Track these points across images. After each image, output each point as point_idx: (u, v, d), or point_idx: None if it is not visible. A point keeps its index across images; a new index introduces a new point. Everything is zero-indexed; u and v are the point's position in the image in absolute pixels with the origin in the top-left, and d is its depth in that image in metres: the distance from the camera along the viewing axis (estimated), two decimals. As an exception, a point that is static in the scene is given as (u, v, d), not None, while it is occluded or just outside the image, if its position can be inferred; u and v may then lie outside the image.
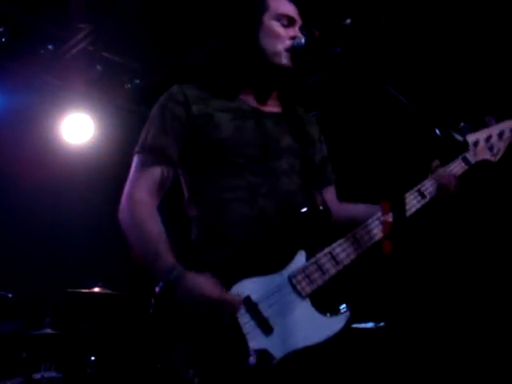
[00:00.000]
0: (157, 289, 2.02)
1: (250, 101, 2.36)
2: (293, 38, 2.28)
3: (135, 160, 2.26)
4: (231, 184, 2.19)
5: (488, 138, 2.27)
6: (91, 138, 6.62)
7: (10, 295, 5.05)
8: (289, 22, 2.31)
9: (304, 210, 2.17)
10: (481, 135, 2.28)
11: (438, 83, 4.69)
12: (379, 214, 2.21)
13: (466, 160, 2.30)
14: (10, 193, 6.01)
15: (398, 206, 1.87)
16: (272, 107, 2.40)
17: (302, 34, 2.28)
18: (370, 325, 5.69)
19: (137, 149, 2.27)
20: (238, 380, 1.89)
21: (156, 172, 2.21)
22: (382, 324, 5.59)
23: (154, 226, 2.12)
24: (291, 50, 2.27)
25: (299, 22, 2.34)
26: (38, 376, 4.67)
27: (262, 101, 2.39)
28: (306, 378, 2.03)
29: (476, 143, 2.28)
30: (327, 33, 2.15)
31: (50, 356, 5.05)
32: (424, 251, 4.91)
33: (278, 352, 1.94)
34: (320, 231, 2.18)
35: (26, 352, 4.88)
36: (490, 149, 2.27)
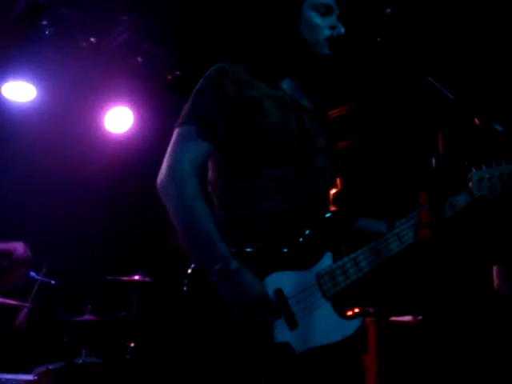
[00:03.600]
0: (190, 270, 2.01)
1: (290, 92, 2.37)
2: (332, 27, 2.28)
3: (180, 131, 2.17)
4: (268, 175, 2.19)
5: (490, 178, 2.58)
6: (132, 128, 6.71)
7: (52, 282, 5.17)
8: (326, 10, 2.31)
9: (332, 213, 2.23)
10: (485, 174, 2.59)
11: (479, 74, 4.63)
12: (397, 229, 2.37)
13: (471, 193, 2.56)
14: (54, 183, 6.12)
15: (437, 196, 1.87)
16: (307, 102, 2.42)
17: (342, 23, 2.29)
18: (407, 318, 5.67)
19: (184, 119, 2.18)
20: (260, 369, 1.93)
21: (203, 146, 2.14)
22: (420, 317, 5.57)
23: (203, 206, 2.05)
24: (331, 39, 2.27)
25: (337, 10, 2.33)
26: (79, 361, 4.76)
27: (300, 94, 2.40)
28: (319, 374, 2.07)
29: (480, 180, 2.57)
30: (367, 22, 2.14)
31: (91, 342, 5.14)
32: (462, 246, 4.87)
33: (299, 347, 1.99)
34: (345, 235, 2.24)
35: (68, 337, 4.99)
36: (490, 187, 2.57)
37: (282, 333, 1.98)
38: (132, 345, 5.33)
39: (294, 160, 2.23)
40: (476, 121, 2.07)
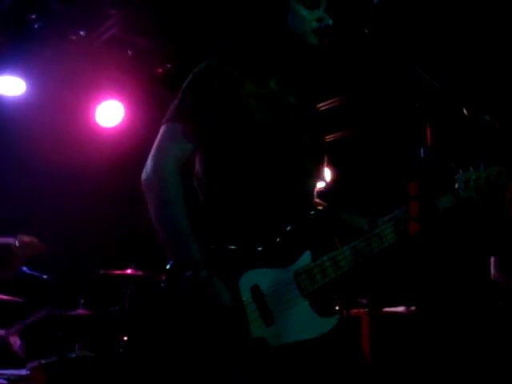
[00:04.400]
0: (168, 267, 2.07)
1: (278, 89, 2.37)
2: (320, 19, 2.27)
3: (166, 128, 2.21)
4: (253, 173, 2.21)
5: (477, 179, 2.54)
6: (123, 122, 6.69)
7: (45, 277, 5.17)
8: (313, 3, 2.29)
9: (316, 212, 2.25)
10: (471, 175, 2.54)
11: (466, 63, 4.64)
12: (379, 229, 2.35)
13: (456, 194, 2.52)
14: (44, 177, 6.11)
15: (426, 188, 1.88)
16: (295, 98, 2.42)
17: (329, 15, 2.28)
18: (401, 309, 5.71)
19: (170, 116, 2.21)
20: (235, 362, 1.98)
21: (188, 145, 2.18)
22: (413, 308, 5.60)
23: (182, 207, 2.10)
24: (318, 31, 2.27)
25: (324, 3, 2.32)
26: (72, 355, 4.76)
27: (288, 89, 2.40)
28: (293, 369, 2.10)
29: (467, 181, 2.53)
30: (355, 13, 2.15)
31: (84, 336, 5.15)
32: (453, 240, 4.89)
33: (274, 342, 2.02)
34: (326, 234, 2.25)
35: (61, 332, 4.99)
36: (477, 188, 2.53)
37: (259, 328, 2.02)
38: (125, 338, 5.34)
39: (279, 159, 2.24)
40: (464, 111, 2.08)
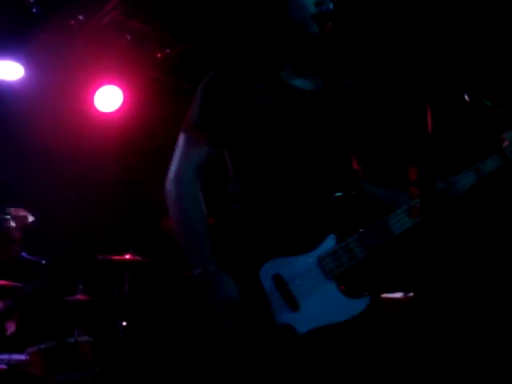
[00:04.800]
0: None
1: (290, 79, 2.35)
2: (319, 3, 2.24)
3: (182, 137, 2.32)
4: (271, 167, 2.22)
5: None
6: (122, 107, 6.67)
7: (43, 262, 5.17)
8: None
9: (338, 195, 2.25)
10: None
11: (468, 49, 4.62)
12: (408, 203, 2.28)
13: (503, 154, 2.39)
14: (42, 163, 6.10)
15: (427, 174, 1.88)
16: (315, 84, 2.39)
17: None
18: (399, 295, 5.71)
19: (185, 125, 2.32)
20: (264, 351, 2.00)
21: (202, 151, 2.27)
22: (410, 294, 5.60)
23: (198, 211, 2.20)
24: (318, 16, 2.23)
25: None
26: (71, 340, 4.77)
27: (304, 78, 2.37)
28: (325, 354, 2.11)
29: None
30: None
31: (83, 321, 5.16)
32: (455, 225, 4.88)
33: (301, 328, 2.04)
34: (352, 216, 2.25)
35: (60, 317, 5.00)
36: None
37: (283, 315, 2.04)
38: (124, 324, 5.35)
39: (296, 149, 2.23)
40: (466, 97, 2.06)
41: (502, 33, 4.52)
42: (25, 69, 5.97)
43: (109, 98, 6.57)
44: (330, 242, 2.16)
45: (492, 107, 2.02)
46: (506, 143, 2.40)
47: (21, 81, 5.99)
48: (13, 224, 5.04)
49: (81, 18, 5.76)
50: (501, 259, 4.72)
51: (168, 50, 6.29)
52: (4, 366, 4.38)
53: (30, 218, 5.11)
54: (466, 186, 2.35)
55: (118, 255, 5.50)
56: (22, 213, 5.06)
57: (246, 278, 2.07)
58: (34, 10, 5.49)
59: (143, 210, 6.45)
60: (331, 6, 2.21)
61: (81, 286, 5.25)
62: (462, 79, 2.06)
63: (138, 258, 5.55)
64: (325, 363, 2.11)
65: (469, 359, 4.50)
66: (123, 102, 6.63)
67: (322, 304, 2.08)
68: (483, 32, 4.59)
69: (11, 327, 4.89)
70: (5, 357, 4.47)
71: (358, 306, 2.12)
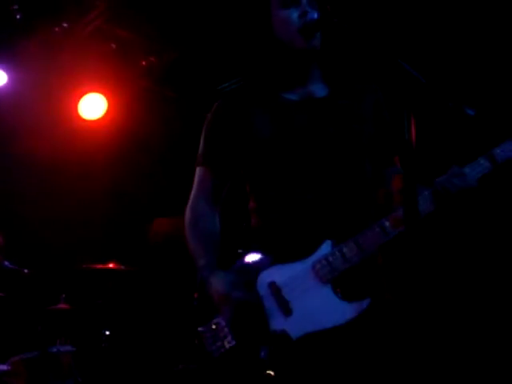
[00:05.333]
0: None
1: (289, 94, 2.37)
2: (302, 15, 2.24)
3: (197, 171, 2.51)
4: (281, 187, 2.28)
5: None
6: (106, 114, 6.64)
7: (25, 271, 5.13)
8: (292, 1, 2.27)
9: (334, 201, 2.22)
10: None
11: (452, 57, 4.65)
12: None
13: (491, 157, 2.23)
14: (25, 170, 6.06)
15: (410, 181, 1.87)
16: (319, 90, 2.40)
17: (314, 8, 2.25)
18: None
19: (197, 161, 2.51)
20: (258, 357, 2.02)
21: (212, 183, 2.47)
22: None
23: (208, 228, 2.43)
24: (304, 29, 2.23)
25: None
26: (53, 350, 4.74)
27: (302, 89, 2.38)
28: (319, 359, 2.10)
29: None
30: (339, 6, 2.13)
31: (66, 331, 5.12)
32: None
33: (294, 333, 2.05)
34: (348, 222, 2.21)
35: (42, 326, 4.95)
36: None
37: (276, 321, 2.07)
38: (107, 333, 5.31)
39: (298, 165, 2.26)
40: (449, 105, 2.06)
41: (487, 40, 4.55)
42: (8, 75, 5.93)
43: (93, 106, 6.54)
44: (325, 248, 2.15)
45: (475, 116, 2.03)
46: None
47: (3, 87, 5.95)
48: None
49: (65, 25, 5.74)
50: (498, 261, 4.72)
51: (153, 58, 6.29)
52: (-15, 377, 4.34)
53: None
54: (477, 176, 2.19)
55: (101, 264, 5.47)
56: None
57: (247, 287, 2.15)
58: (18, 17, 5.46)
59: (127, 219, 6.42)
60: (315, 15, 2.21)
61: (63, 295, 5.21)
62: (446, 87, 2.06)
63: (122, 267, 5.52)
64: (322, 367, 2.10)
65: (463, 362, 4.50)
66: (108, 110, 6.60)
67: (317, 308, 2.09)
68: (467, 39, 4.62)
69: None
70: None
71: (355, 309, 2.10)
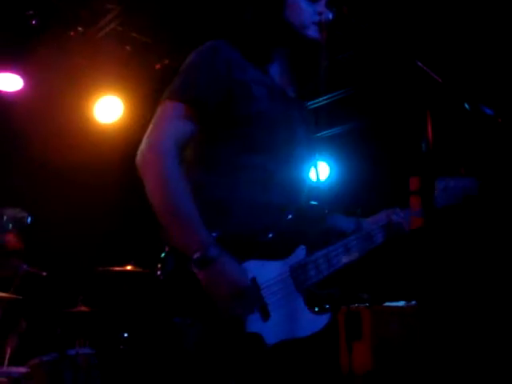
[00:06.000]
0: (164, 254, 1.99)
1: (277, 79, 2.35)
2: (320, 13, 2.25)
3: (167, 106, 2.11)
4: (249, 162, 2.15)
5: (454, 188, 2.51)
6: (121, 117, 6.67)
7: (44, 273, 5.16)
8: None
9: (310, 206, 2.25)
10: (449, 184, 2.51)
11: (469, 57, 4.63)
12: (369, 229, 2.35)
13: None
14: (41, 174, 6.10)
15: (428, 183, 1.87)
16: (291, 90, 2.40)
17: (330, 9, 2.26)
18: (401, 303, 5.70)
19: (172, 95, 2.12)
20: (229, 357, 1.90)
21: (189, 126, 2.09)
22: (413, 303, 5.59)
23: (185, 189, 1.99)
24: (318, 25, 2.25)
25: None
26: (72, 352, 4.76)
27: (285, 81, 2.38)
28: (289, 369, 2.07)
29: (446, 189, 2.49)
30: (355, 7, 2.12)
31: (84, 333, 5.14)
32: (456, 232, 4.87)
33: (270, 339, 1.96)
34: (319, 229, 2.24)
35: (61, 329, 4.98)
36: (454, 195, 2.50)
37: (254, 323, 1.95)
38: (125, 335, 5.33)
39: (277, 149, 2.21)
40: (466, 105, 2.06)
41: (503, 41, 4.52)
42: (24, 80, 5.97)
43: (108, 109, 6.58)
44: (300, 253, 2.13)
45: (493, 116, 2.01)
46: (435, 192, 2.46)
47: (20, 92, 5.99)
48: (10, 226, 4.97)
49: (80, 29, 5.77)
50: (502, 265, 4.70)
51: (167, 61, 6.30)
52: (5, 379, 4.36)
53: (29, 219, 5.02)
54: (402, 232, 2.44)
55: (118, 266, 5.49)
56: (20, 214, 4.95)
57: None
58: (34, 22, 5.50)
59: (144, 222, 6.42)
60: (330, 15, 2.22)
61: (81, 298, 5.24)
62: (463, 87, 2.05)
63: (139, 269, 5.54)
64: (288, 378, 2.07)
65: (472, 367, 4.48)
66: (123, 113, 6.64)
67: (290, 316, 2.05)
68: (484, 39, 4.60)
69: (13, 341, 4.86)
70: (6, 369, 4.45)
71: (319, 322, 2.10)
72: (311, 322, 2.08)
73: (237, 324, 1.91)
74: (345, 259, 2.22)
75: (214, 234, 1.98)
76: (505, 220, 4.85)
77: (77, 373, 4.72)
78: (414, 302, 5.55)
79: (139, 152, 2.07)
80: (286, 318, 2.03)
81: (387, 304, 5.76)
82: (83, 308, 5.20)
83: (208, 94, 2.10)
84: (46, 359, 4.62)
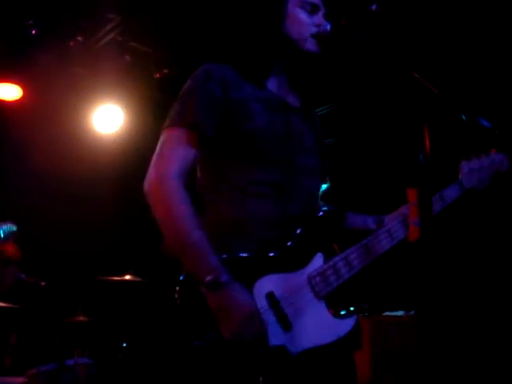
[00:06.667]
0: (182, 278, 2.04)
1: (277, 91, 2.36)
2: (318, 25, 2.27)
3: (169, 134, 2.16)
4: (257, 178, 2.18)
5: (480, 169, 2.50)
6: (121, 127, 6.68)
7: (42, 283, 5.14)
8: (313, 8, 2.29)
9: (324, 212, 2.23)
10: (474, 165, 2.51)
11: (465, 69, 4.64)
12: (388, 225, 2.34)
13: (461, 184, 2.48)
14: (41, 184, 6.09)
15: (425, 194, 1.87)
16: (294, 101, 2.41)
17: (328, 21, 2.28)
18: (400, 313, 5.69)
19: (172, 122, 2.17)
20: (257, 373, 1.92)
21: (191, 152, 2.14)
22: (411, 312, 5.58)
23: (193, 217, 2.04)
24: (317, 37, 2.26)
25: (323, 9, 2.32)
26: (71, 362, 4.74)
27: (286, 91, 2.39)
28: (315, 377, 2.07)
29: (470, 171, 2.50)
30: (353, 19, 2.13)
31: (83, 343, 5.12)
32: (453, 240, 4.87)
33: (294, 349, 1.99)
34: (336, 234, 2.24)
35: (60, 339, 4.96)
36: (480, 178, 2.50)
37: (276, 336, 1.98)
38: (124, 345, 5.32)
39: (282, 162, 2.22)
40: (463, 117, 2.06)
41: (500, 52, 4.54)
42: (23, 90, 5.98)
43: (107, 119, 6.58)
44: (318, 261, 2.14)
45: (490, 128, 2.02)
46: (461, 175, 2.50)
47: (19, 102, 6.00)
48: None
49: (80, 38, 5.79)
50: (501, 275, 4.70)
51: (166, 70, 6.32)
52: (3, 390, 4.35)
53: (14, 228, 4.98)
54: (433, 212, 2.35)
55: (117, 276, 5.48)
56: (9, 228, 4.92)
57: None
58: (33, 32, 5.52)
59: (143, 231, 6.44)
60: (328, 27, 2.25)
61: (80, 307, 5.23)
62: (460, 99, 2.06)
63: (138, 278, 5.53)
64: None
65: (472, 377, 4.47)
66: (122, 123, 6.64)
67: (313, 324, 2.05)
68: (482, 51, 4.61)
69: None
70: (3, 380, 4.43)
71: (345, 326, 2.10)
72: (336, 327, 2.09)
73: (260, 339, 1.94)
74: (366, 260, 2.22)
75: (224, 256, 2.02)
76: (502, 229, 4.85)
77: (75, 383, 4.70)
78: (412, 312, 5.55)
79: (146, 181, 2.12)
80: (309, 327, 2.05)
81: (386, 314, 5.75)
82: (82, 318, 5.18)
83: (206, 117, 2.15)
84: (44, 369, 4.59)
